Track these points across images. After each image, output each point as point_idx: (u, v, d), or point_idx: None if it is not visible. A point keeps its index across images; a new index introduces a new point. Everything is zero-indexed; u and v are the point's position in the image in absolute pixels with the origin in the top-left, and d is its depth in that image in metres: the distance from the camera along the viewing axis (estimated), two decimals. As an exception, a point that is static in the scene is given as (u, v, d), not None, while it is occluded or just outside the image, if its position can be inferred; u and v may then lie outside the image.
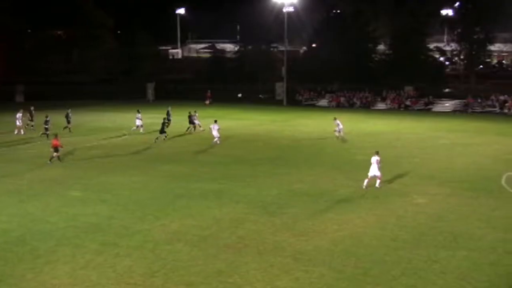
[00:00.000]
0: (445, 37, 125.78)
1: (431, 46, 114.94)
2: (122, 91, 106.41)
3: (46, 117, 59.87)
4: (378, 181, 37.99)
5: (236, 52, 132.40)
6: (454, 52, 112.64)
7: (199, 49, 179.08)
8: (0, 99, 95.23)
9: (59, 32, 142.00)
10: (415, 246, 26.65)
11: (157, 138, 56.06)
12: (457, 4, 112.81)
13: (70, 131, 61.13)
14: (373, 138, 59.71)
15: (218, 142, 55.06)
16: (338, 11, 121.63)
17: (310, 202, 34.47)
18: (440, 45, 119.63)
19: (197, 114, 64.10)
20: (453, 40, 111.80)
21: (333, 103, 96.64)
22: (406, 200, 34.76)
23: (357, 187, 37.96)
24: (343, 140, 56.71)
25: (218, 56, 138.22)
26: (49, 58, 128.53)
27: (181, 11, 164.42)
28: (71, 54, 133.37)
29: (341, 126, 57.52)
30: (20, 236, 28.40)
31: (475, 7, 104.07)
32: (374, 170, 37.81)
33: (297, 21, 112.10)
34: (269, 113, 65.97)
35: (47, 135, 57.18)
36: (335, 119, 58.38)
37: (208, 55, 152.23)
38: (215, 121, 55.84)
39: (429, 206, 33.63)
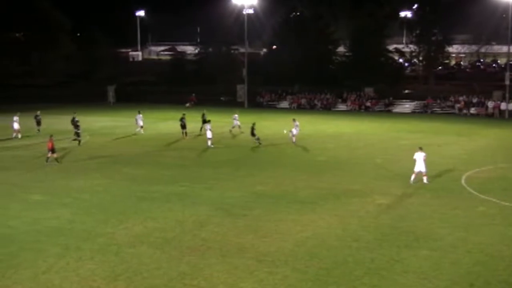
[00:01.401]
0: (404, 38, 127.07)
1: (391, 47, 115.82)
2: (82, 94, 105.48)
3: (74, 116, 61.03)
4: (424, 178, 39.07)
5: (196, 54, 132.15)
6: (413, 54, 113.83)
7: (159, 51, 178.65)
8: None
9: (17, 35, 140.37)
10: (378, 246, 26.91)
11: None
12: (415, 6, 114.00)
13: (78, 136, 59.87)
14: (335, 139, 59.96)
15: (210, 144, 54.67)
16: (298, 13, 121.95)
17: (272, 203, 34.57)
18: (399, 46, 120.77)
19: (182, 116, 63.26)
20: (412, 42, 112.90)
21: (294, 105, 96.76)
22: (368, 201, 35.02)
23: (319, 188, 38.18)
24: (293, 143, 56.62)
25: (179, 58, 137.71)
26: (7, 60, 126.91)
27: (141, 13, 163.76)
28: (29, 57, 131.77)
29: (298, 129, 57.43)
30: (-20, 241, 28.12)
31: (433, 9, 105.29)
32: (420, 166, 38.95)
33: (257, 23, 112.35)
34: (230, 115, 66.02)
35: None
36: (294, 120, 58.44)
37: (168, 57, 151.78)
38: (208, 121, 55.94)
39: (391, 206, 33.96)
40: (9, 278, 23.63)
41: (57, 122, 67.53)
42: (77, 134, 56.68)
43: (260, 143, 55.09)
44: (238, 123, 64.16)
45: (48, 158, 46.94)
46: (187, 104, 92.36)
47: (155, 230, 29.47)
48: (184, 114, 61.09)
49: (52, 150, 46.84)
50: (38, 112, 64.42)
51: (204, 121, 61.80)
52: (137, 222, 30.98)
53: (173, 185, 39.48)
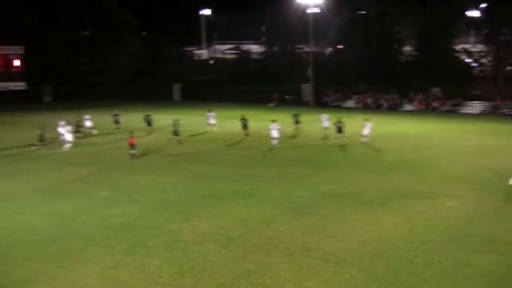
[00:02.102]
0: (471, 38, 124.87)
1: (458, 47, 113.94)
2: (148, 91, 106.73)
3: (148, 115, 62.52)
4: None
5: (261, 53, 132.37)
6: (481, 54, 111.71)
7: (224, 50, 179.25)
8: (29, 99, 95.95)
9: (85, 33, 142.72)
10: (445, 249, 26.44)
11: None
12: (483, 5, 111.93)
13: (149, 134, 60.85)
14: (401, 139, 59.32)
15: (275, 143, 54.39)
16: (363, 12, 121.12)
17: (339, 203, 34.31)
18: (467, 46, 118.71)
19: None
20: (479, 42, 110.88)
21: (360, 105, 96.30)
22: (435, 202, 34.46)
23: (385, 188, 37.75)
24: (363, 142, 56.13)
25: (243, 57, 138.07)
26: (75, 59, 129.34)
27: (206, 12, 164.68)
28: (96, 55, 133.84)
29: (369, 129, 56.71)
30: (50, 235, 28.63)
31: (502, 8, 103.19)
32: None
33: (322, 22, 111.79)
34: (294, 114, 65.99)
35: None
36: (366, 120, 57.52)
37: (233, 56, 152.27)
38: (274, 121, 55.50)
39: (459, 208, 33.30)
40: (77, 272, 23.97)
41: (126, 120, 68.29)
42: (176, 133, 56.90)
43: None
44: (327, 124, 61.98)
45: (132, 154, 47.75)
46: (271, 104, 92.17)
47: (220, 228, 29.55)
48: (243, 115, 60.91)
49: (132, 147, 47.60)
50: (116, 111, 65.48)
51: (297, 122, 61.49)
52: (203, 220, 31.12)
53: (238, 183, 39.54)
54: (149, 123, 62.07)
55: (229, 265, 24.59)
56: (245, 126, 59.45)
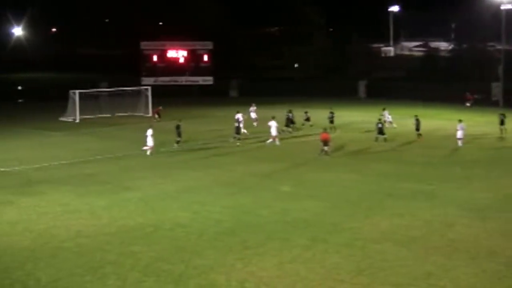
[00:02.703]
0: None
1: None
2: (333, 88, 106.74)
3: (306, 112, 63.24)
4: None
5: (450, 51, 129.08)
6: None
7: (411, 47, 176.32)
8: (216, 94, 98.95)
9: (272, 30, 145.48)
10: None
11: (376, 139, 55.16)
12: None
13: (333, 131, 61.49)
14: None
15: (460, 144, 52.64)
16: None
17: (526, 207, 32.88)
18: None
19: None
20: None
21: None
22: None
23: None
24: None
25: (431, 55, 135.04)
26: (262, 55, 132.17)
27: (395, 8, 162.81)
28: (282, 51, 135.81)
29: None
30: (231, 227, 29.38)
31: None
32: None
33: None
34: (483, 114, 63.88)
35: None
36: None
37: (420, 53, 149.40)
38: (460, 121, 53.70)
39: None
40: (255, 264, 24.42)
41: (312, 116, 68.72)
42: (381, 131, 55.50)
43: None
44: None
45: (325, 151, 47.80)
46: (467, 103, 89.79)
47: (401, 228, 29.10)
48: (416, 116, 58.89)
49: (326, 143, 47.71)
50: (306, 110, 65.78)
51: (502, 123, 58.71)
52: (383, 218, 30.79)
53: (421, 183, 38.77)
54: (331, 121, 62.01)
55: (408, 266, 24.15)
56: (417, 126, 57.12)
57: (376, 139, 54.63)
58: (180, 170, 43.32)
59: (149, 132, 49.15)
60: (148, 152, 48.90)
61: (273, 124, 53.50)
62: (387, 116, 63.31)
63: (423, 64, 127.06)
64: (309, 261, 24.73)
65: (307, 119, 63.31)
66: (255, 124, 64.74)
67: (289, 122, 61.32)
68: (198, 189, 37.45)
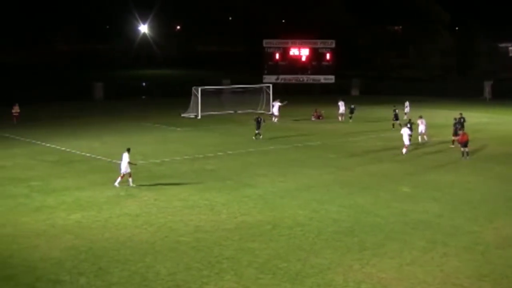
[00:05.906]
0: None
1: None
2: (457, 88, 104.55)
3: (395, 110, 62.95)
4: None
5: None
6: None
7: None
8: (337, 92, 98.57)
9: (395, 28, 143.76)
10: None
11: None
12: None
13: (393, 127, 60.87)
14: None
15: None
16: None
17: None
18: None
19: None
20: None
21: None
22: None
23: None
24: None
25: None
26: (385, 53, 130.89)
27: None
28: (407, 50, 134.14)
29: None
30: (350, 227, 29.21)
31: None
32: None
33: None
34: None
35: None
36: None
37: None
38: None
39: None
40: (373, 266, 24.19)
41: (431, 117, 67.37)
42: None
43: None
44: None
45: (466, 152, 46.86)
46: None
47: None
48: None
49: (465, 144, 46.79)
50: (395, 107, 64.74)
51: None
52: (507, 223, 29.94)
53: (547, 187, 37.50)
54: (396, 118, 61.06)
55: (530, 273, 23.42)
56: None
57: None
58: (299, 168, 43.40)
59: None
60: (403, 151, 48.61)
61: (405, 132, 49.48)
62: None
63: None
64: (428, 264, 24.31)
65: (396, 117, 61.99)
66: (275, 120, 66.35)
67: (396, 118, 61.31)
68: (317, 187, 37.39)
